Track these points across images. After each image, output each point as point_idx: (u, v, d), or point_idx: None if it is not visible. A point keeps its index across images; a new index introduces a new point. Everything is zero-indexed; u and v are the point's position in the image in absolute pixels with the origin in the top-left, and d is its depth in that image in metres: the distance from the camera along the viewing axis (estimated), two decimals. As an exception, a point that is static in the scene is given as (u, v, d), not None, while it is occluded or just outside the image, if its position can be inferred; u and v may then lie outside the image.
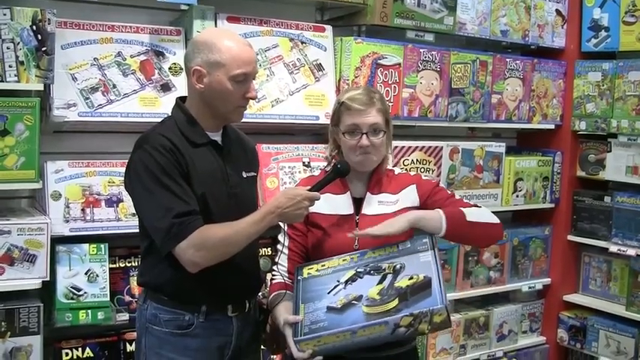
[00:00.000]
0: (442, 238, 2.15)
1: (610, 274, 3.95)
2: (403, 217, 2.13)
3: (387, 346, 2.05)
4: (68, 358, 2.68)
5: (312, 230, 2.24)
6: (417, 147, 3.34)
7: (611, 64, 3.76)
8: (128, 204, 2.63)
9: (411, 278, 1.98)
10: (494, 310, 3.86)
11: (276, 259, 2.29)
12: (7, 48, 2.39)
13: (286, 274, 2.23)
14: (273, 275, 2.29)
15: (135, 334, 2.26)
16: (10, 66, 2.40)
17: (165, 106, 2.68)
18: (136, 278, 2.65)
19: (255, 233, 2.04)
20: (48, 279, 2.52)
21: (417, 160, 3.34)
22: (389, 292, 1.96)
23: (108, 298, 2.65)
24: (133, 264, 2.78)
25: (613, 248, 3.74)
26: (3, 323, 2.47)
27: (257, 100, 2.80)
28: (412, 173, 2.35)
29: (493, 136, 4.05)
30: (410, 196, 2.25)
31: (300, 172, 3.03)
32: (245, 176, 2.21)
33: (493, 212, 2.25)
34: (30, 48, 2.42)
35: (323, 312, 1.99)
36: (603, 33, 3.80)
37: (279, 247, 2.29)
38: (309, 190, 2.10)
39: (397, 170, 2.34)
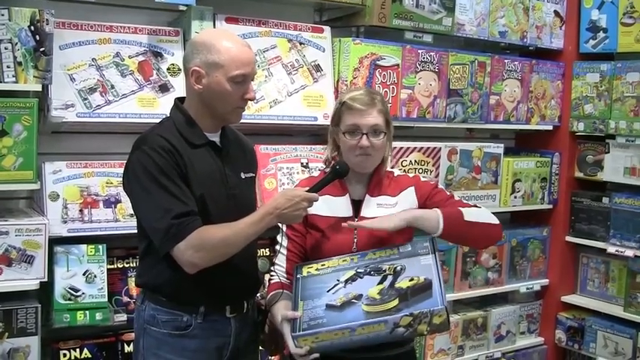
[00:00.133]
0: (439, 238, 2.15)
1: (608, 275, 3.95)
2: (400, 214, 2.15)
3: (387, 347, 2.05)
4: (66, 359, 2.67)
5: (311, 232, 2.24)
6: (415, 148, 3.34)
7: (610, 66, 3.76)
8: (126, 205, 2.62)
9: (412, 280, 1.98)
10: (493, 311, 3.86)
11: (275, 260, 2.29)
12: (5, 48, 2.39)
13: (284, 275, 2.23)
14: (271, 276, 2.28)
15: (133, 334, 2.26)
16: (8, 66, 2.39)
17: (163, 106, 2.67)
18: (134, 279, 2.66)
19: (253, 234, 2.04)
20: (46, 280, 2.51)
21: (415, 161, 3.34)
22: (389, 292, 1.96)
23: (106, 299, 2.64)
24: (131, 265, 2.77)
25: (611, 249, 3.74)
26: (1, 324, 2.46)
27: (255, 100, 2.81)
28: (411, 175, 2.34)
29: (491, 137, 4.05)
30: (409, 198, 2.25)
31: (298, 172, 3.03)
32: (244, 177, 2.21)
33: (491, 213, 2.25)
34: (28, 48, 2.41)
35: (322, 309, 1.99)
36: (601, 34, 3.81)
37: (277, 247, 2.29)
38: (308, 191, 2.10)
39: (396, 172, 2.34)
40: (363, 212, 2.22)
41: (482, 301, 3.91)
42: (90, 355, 2.71)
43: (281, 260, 2.26)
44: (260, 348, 2.36)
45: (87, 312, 2.59)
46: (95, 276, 2.64)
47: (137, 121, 2.67)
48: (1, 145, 2.43)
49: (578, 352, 4.00)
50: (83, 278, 2.62)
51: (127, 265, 2.79)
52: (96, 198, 2.66)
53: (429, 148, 3.39)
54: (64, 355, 2.67)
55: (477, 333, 3.80)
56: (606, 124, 3.76)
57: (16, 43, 2.40)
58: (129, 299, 2.75)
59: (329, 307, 1.99)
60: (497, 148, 3.72)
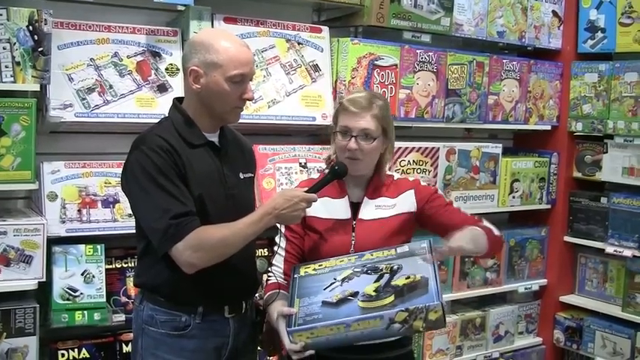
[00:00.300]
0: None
1: (606, 275, 3.95)
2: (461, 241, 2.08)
3: (386, 348, 2.06)
4: (64, 359, 2.67)
5: (309, 234, 2.24)
6: (413, 148, 3.34)
7: (608, 66, 3.77)
8: (124, 205, 2.62)
9: (408, 277, 1.99)
10: (491, 311, 3.86)
11: (272, 261, 2.29)
12: (4, 48, 2.39)
13: (282, 276, 2.23)
14: (268, 277, 2.28)
15: (131, 335, 2.26)
16: (6, 66, 2.39)
17: (161, 106, 2.67)
18: (132, 279, 2.65)
19: (252, 234, 2.04)
20: (44, 280, 2.51)
21: (413, 161, 3.34)
22: (385, 289, 1.97)
23: (104, 299, 2.64)
24: (130, 265, 2.77)
25: (609, 249, 3.75)
26: (-1, 324, 2.47)
27: (254, 100, 2.81)
28: (411, 178, 2.35)
29: (490, 137, 4.05)
30: (408, 200, 2.25)
31: (296, 172, 3.03)
32: (242, 177, 2.21)
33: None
34: (26, 48, 2.41)
35: (318, 306, 2.00)
36: (599, 34, 3.81)
37: (275, 248, 2.29)
38: (307, 191, 2.10)
39: (396, 176, 2.34)
40: (361, 214, 2.22)
41: (480, 301, 3.91)
42: (88, 355, 2.71)
43: (279, 261, 2.26)
44: (258, 348, 2.36)
45: (85, 312, 2.59)
46: (93, 276, 2.64)
47: (135, 121, 2.67)
48: (0, 145, 2.43)
49: (577, 352, 4.00)
50: (81, 278, 2.62)
51: (125, 265, 2.78)
52: (94, 198, 2.66)
53: (427, 148, 3.39)
54: (63, 355, 2.67)
55: (475, 333, 3.80)
56: (604, 124, 3.77)
57: (15, 43, 2.40)
58: (127, 299, 2.75)
59: (325, 303, 1.99)
60: (496, 148, 3.72)
